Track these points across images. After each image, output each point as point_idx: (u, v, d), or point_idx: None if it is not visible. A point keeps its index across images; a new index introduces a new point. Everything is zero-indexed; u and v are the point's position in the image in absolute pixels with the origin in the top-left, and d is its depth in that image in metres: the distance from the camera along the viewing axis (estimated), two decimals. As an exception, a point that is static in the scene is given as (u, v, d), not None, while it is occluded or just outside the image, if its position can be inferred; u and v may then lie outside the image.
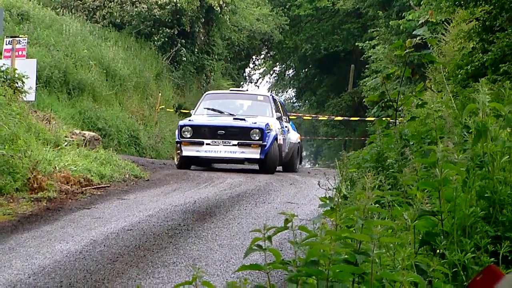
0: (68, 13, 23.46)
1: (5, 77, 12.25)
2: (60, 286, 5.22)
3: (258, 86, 45.08)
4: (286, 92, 47.85)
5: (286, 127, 16.43)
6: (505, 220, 3.83)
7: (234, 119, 15.40)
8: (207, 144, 14.90)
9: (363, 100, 25.32)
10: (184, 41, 26.04)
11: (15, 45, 14.12)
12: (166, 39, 25.48)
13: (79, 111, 18.60)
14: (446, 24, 16.49)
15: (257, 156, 14.85)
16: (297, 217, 3.14)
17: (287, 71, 45.68)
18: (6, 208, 8.40)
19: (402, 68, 7.33)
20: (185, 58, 26.20)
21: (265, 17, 33.48)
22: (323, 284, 2.94)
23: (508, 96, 4.38)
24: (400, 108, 7.23)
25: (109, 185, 11.10)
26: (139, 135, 20.64)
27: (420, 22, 15.52)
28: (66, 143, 12.60)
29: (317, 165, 47.69)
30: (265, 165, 15.00)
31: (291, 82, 45.53)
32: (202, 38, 27.38)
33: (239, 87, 29.01)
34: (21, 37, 14.57)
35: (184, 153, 14.93)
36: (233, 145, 14.86)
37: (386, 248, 3.42)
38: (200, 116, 15.68)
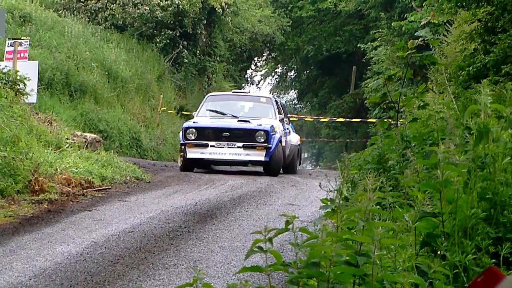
0: (70, 15, 23.46)
1: (6, 79, 12.24)
2: (61, 288, 5.22)
3: (259, 88, 45.08)
4: (288, 93, 47.87)
5: (287, 129, 16.41)
6: (506, 221, 3.82)
7: (239, 121, 15.32)
8: (211, 146, 14.83)
9: (365, 101, 25.27)
10: (186, 43, 26.02)
11: (17, 47, 14.14)
12: (168, 41, 25.47)
13: (81, 113, 18.58)
14: (448, 25, 16.48)
15: (262, 158, 14.79)
16: (298, 219, 3.13)
17: (288, 72, 45.67)
18: (7, 210, 8.40)
19: (404, 70, 7.32)
20: (187, 60, 26.19)
21: (267, 18, 33.48)
22: (324, 285, 2.94)
23: (510, 97, 4.37)
24: (401, 110, 7.23)
25: (110, 187, 11.11)
26: (141, 137, 20.62)
27: (422, 24, 15.48)
28: (67, 145, 12.60)
29: (318, 167, 47.70)
30: (270, 167, 14.93)
31: (293, 83, 45.51)
32: (204, 40, 27.37)
33: (240, 89, 29.00)
34: (23, 39, 14.59)
35: (189, 155, 14.84)
36: (238, 147, 14.80)
37: (387, 250, 3.41)
38: (203, 118, 15.60)
